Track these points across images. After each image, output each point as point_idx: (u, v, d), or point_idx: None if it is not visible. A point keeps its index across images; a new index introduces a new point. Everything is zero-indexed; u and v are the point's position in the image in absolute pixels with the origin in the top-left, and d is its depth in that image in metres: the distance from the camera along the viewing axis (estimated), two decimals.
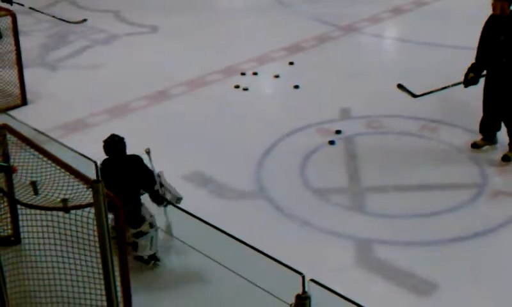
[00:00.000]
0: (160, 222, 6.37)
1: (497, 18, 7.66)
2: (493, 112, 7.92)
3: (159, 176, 6.29)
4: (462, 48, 9.48)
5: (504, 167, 7.88)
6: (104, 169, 6.05)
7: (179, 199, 6.33)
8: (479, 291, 6.12)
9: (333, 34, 11.98)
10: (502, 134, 8.05)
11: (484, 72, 7.87)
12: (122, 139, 6.13)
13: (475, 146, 8.14)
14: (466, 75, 7.85)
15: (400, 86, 8.73)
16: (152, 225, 6.17)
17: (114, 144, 6.11)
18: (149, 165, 6.32)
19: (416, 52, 11.22)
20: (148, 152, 6.34)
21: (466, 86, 7.91)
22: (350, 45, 11.57)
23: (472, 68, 7.83)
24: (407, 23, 12.66)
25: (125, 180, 6.05)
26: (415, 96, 8.55)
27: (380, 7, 13.11)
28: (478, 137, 8.17)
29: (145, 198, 6.31)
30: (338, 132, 8.53)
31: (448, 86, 8.28)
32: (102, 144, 6.18)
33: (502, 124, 7.99)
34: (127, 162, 6.14)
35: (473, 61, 7.88)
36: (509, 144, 7.93)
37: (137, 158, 6.17)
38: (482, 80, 7.97)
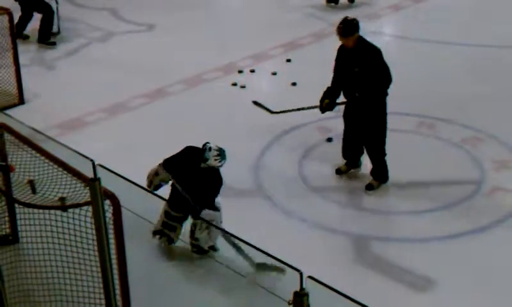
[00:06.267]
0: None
1: (349, 48, 7.32)
2: (354, 138, 7.58)
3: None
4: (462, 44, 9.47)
5: (502, 163, 7.90)
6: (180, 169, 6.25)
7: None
8: (477, 287, 6.14)
9: (330, 30, 11.96)
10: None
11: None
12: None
13: (338, 172, 7.76)
14: (322, 100, 7.52)
15: (256, 103, 8.56)
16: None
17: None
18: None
19: (415, 48, 11.19)
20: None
21: (322, 112, 7.61)
22: None
23: (327, 93, 7.49)
24: (405, 20, 12.65)
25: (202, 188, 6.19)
26: (271, 112, 8.31)
27: (378, 4, 13.09)
28: (343, 163, 7.79)
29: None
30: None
31: (304, 108, 7.95)
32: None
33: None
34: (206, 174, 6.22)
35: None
36: (372, 172, 7.57)
37: (216, 171, 6.26)
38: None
